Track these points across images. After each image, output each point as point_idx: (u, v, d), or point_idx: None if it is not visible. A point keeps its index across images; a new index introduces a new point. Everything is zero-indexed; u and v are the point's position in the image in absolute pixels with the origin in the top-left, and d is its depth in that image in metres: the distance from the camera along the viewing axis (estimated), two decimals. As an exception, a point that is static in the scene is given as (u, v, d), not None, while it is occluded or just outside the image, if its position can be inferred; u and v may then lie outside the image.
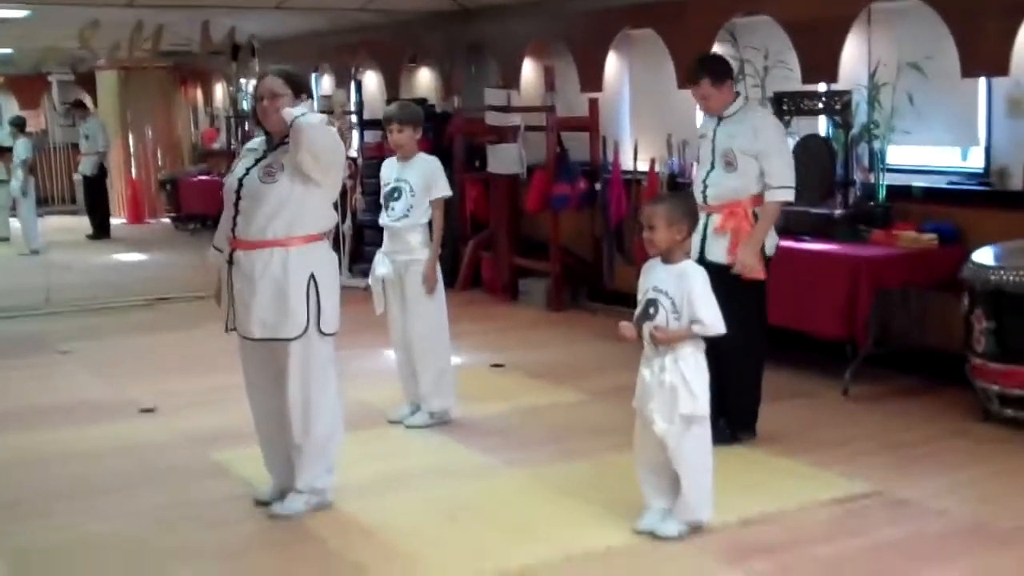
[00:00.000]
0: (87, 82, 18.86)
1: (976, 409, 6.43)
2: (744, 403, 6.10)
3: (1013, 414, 6.17)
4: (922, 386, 7.13)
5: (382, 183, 6.58)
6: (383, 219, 6.53)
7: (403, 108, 6.66)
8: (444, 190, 6.49)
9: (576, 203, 9.95)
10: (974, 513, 5.05)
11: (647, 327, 4.71)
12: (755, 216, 5.95)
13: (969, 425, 6.34)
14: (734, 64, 7.37)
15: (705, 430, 4.78)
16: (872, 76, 7.55)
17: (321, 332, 5.06)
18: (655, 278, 4.76)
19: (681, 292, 4.67)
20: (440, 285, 6.56)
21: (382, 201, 6.53)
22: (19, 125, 15.84)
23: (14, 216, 15.88)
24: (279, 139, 5.06)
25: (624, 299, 9.47)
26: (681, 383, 4.65)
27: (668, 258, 4.77)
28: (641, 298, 4.80)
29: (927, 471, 5.61)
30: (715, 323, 4.68)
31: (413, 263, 6.45)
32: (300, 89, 5.08)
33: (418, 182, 6.44)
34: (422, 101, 12.28)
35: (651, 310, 4.70)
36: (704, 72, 6.02)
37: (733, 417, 5.98)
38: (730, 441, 5.89)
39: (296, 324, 4.98)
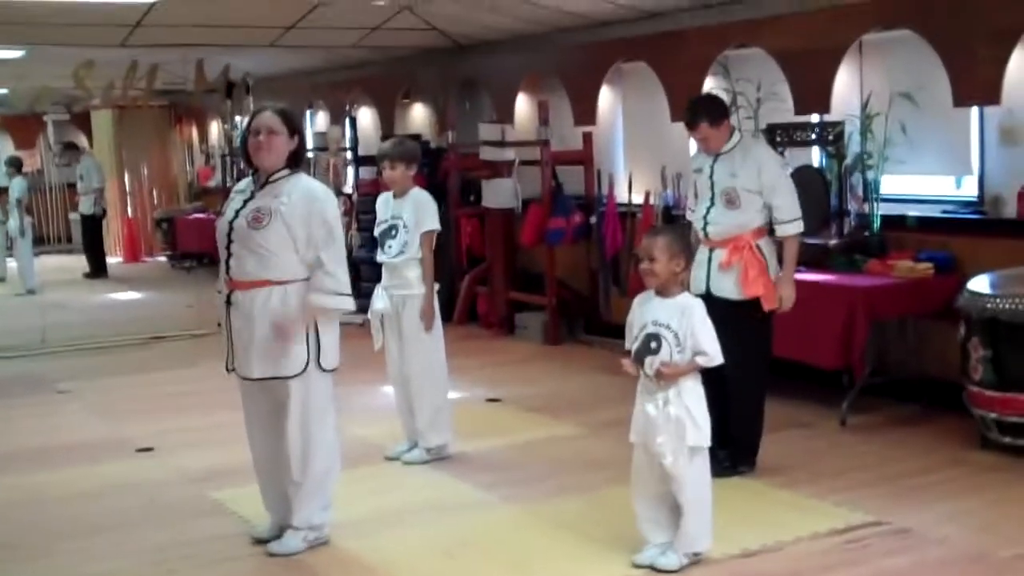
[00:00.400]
0: (82, 121, 18.91)
1: (974, 437, 6.43)
2: (746, 435, 6.10)
3: (1011, 441, 6.17)
4: (919, 415, 7.14)
5: (378, 219, 6.60)
6: (380, 255, 6.54)
7: (395, 146, 6.68)
8: (431, 224, 6.47)
9: (571, 236, 9.98)
10: (974, 542, 5.04)
11: (648, 362, 4.71)
12: (758, 248, 5.97)
13: (967, 453, 6.33)
14: (726, 96, 7.44)
15: (706, 461, 4.79)
16: (864, 106, 7.58)
17: (321, 369, 5.06)
18: (653, 312, 4.77)
19: (684, 326, 4.68)
20: (438, 320, 6.56)
21: (378, 238, 6.54)
22: (15, 165, 15.87)
23: (10, 256, 15.89)
24: (266, 178, 5.07)
25: (621, 332, 9.45)
26: (686, 415, 4.68)
27: (664, 292, 4.78)
28: (637, 332, 4.80)
29: (926, 500, 5.61)
30: (717, 354, 4.72)
31: (411, 298, 6.46)
32: (294, 129, 5.11)
33: (411, 218, 6.45)
34: (417, 137, 12.31)
35: (653, 344, 4.71)
36: (702, 115, 6.03)
37: (735, 449, 5.98)
38: (731, 473, 5.88)
39: (296, 362, 4.98)
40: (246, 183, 5.24)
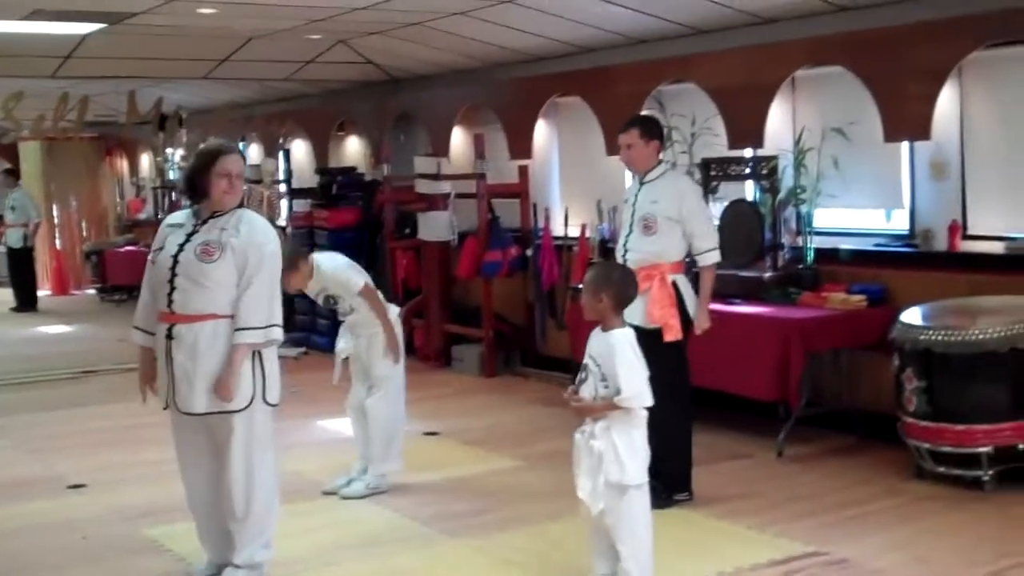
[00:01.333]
0: (9, 153, 18.65)
1: (909, 467, 6.51)
2: (675, 464, 6.11)
3: (945, 471, 6.25)
4: (855, 446, 7.22)
5: (314, 293, 6.62)
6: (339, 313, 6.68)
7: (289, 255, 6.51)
8: (357, 282, 6.46)
9: (508, 269, 10.01)
10: (911, 572, 5.09)
11: (581, 393, 4.72)
12: (674, 285, 6.02)
13: (903, 483, 6.40)
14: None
15: (643, 497, 4.69)
16: (797, 141, 7.69)
17: (266, 403, 5.01)
18: (591, 345, 4.78)
19: (607, 362, 4.65)
20: (401, 351, 6.61)
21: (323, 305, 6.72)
22: None
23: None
24: (209, 214, 5.04)
25: (557, 364, 9.54)
26: (610, 450, 4.60)
27: (604, 325, 4.79)
28: (583, 362, 4.81)
29: (864, 531, 5.66)
30: (637, 395, 4.61)
31: (375, 335, 6.51)
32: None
33: (335, 289, 6.49)
34: (352, 169, 12.34)
35: (582, 375, 4.72)
36: (637, 124, 6.22)
37: (666, 479, 5.97)
38: (666, 504, 5.88)
39: (243, 395, 4.92)
40: (183, 216, 5.16)
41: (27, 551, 5.77)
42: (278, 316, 5.01)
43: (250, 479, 5.02)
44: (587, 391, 4.69)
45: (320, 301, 6.65)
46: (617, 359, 4.63)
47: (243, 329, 4.89)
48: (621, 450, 4.62)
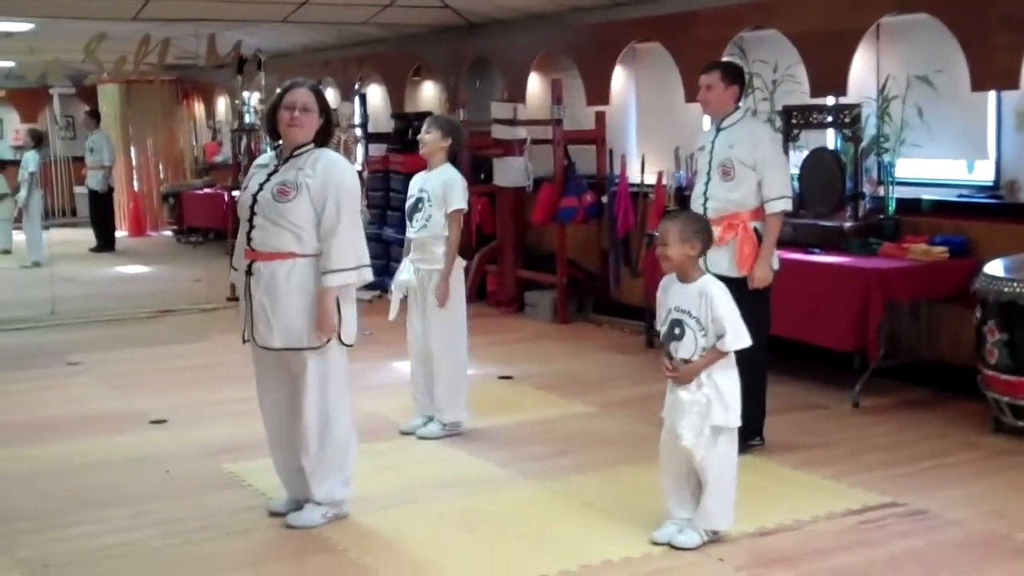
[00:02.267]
0: (88, 95, 18.86)
1: (987, 421, 6.45)
2: (751, 411, 6.05)
3: (1025, 425, 6.20)
4: (932, 398, 7.16)
5: (408, 196, 6.63)
6: (408, 231, 6.58)
7: (441, 116, 6.94)
8: (457, 203, 6.49)
9: (583, 216, 9.98)
10: (989, 524, 5.06)
11: (673, 348, 4.73)
12: (756, 232, 5.98)
13: (981, 437, 6.36)
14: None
15: (733, 442, 4.80)
16: (882, 90, 7.57)
17: (341, 342, 5.06)
18: (675, 298, 4.78)
19: (704, 311, 4.70)
20: (462, 297, 6.60)
21: (407, 214, 6.59)
22: (36, 138, 15.86)
23: (18, 228, 15.89)
24: (290, 151, 5.08)
25: (630, 312, 9.54)
26: (715, 395, 4.70)
27: (684, 276, 4.79)
28: (663, 316, 4.81)
29: (941, 483, 5.63)
30: (740, 337, 4.72)
31: (436, 273, 6.48)
32: (324, 108, 5.12)
33: (437, 193, 6.46)
34: (427, 114, 12.31)
35: (676, 331, 4.73)
36: (720, 66, 6.21)
37: (742, 424, 5.95)
38: (741, 450, 5.85)
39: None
40: (268, 157, 5.25)
41: (111, 484, 5.89)
42: (367, 255, 5.07)
43: (325, 417, 5.09)
44: (687, 348, 4.71)
45: (411, 202, 6.56)
46: (717, 304, 4.70)
47: (334, 271, 4.94)
48: (726, 394, 4.73)
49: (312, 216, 4.96)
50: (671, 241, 4.75)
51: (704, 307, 4.70)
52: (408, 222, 6.57)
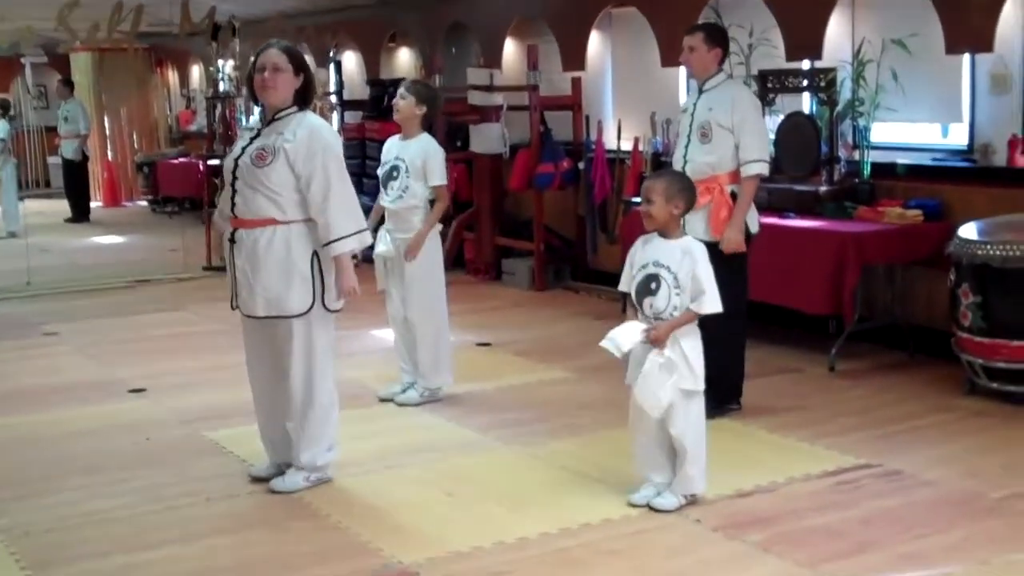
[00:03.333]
0: (61, 64, 18.73)
1: (961, 383, 6.51)
2: (729, 376, 6.14)
3: (999, 387, 6.25)
4: (907, 361, 7.23)
5: (381, 161, 6.58)
6: (382, 199, 6.53)
7: (417, 82, 6.89)
8: (439, 179, 6.45)
9: (559, 182, 9.99)
10: (964, 484, 5.12)
11: (647, 303, 4.75)
12: (732, 195, 6.00)
13: (955, 399, 6.42)
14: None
15: (701, 405, 4.84)
16: (857, 53, 7.59)
17: (326, 308, 5.07)
18: (655, 253, 4.79)
19: (685, 268, 4.71)
20: (440, 262, 6.60)
21: (380, 181, 6.54)
22: (3, 107, 15.75)
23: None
24: (272, 114, 5.07)
25: (607, 278, 9.56)
26: (681, 359, 4.72)
27: (666, 233, 4.81)
28: (636, 272, 4.82)
29: (915, 444, 5.69)
30: (714, 303, 4.74)
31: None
32: (300, 66, 5.07)
33: (414, 163, 6.42)
34: (402, 81, 12.27)
35: (652, 285, 4.74)
36: (703, 28, 6.27)
37: (718, 389, 5.99)
38: (717, 413, 5.91)
39: (301, 301, 4.99)
40: (254, 121, 5.25)
41: (92, 453, 5.90)
42: (363, 217, 5.12)
43: (310, 383, 5.11)
44: (660, 303, 4.72)
45: (385, 169, 6.50)
46: (699, 266, 4.73)
47: (336, 240, 4.95)
48: (691, 358, 4.74)
49: (291, 181, 4.95)
50: (656, 199, 4.76)
51: (686, 265, 4.72)
52: (383, 190, 6.51)
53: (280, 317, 5.02)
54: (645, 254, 4.83)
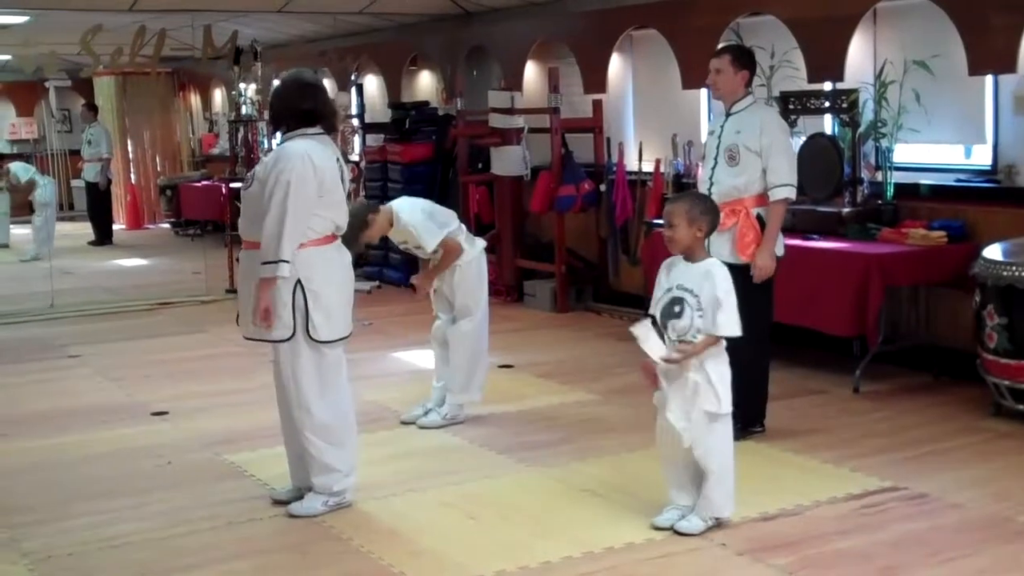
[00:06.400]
0: (84, 88, 18.86)
1: (987, 404, 6.46)
2: (753, 398, 6.11)
3: (1025, 409, 6.21)
4: (931, 383, 7.17)
5: (396, 242, 6.77)
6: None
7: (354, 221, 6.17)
8: (429, 244, 6.43)
9: (581, 204, 9.97)
10: (991, 507, 5.07)
11: (671, 325, 4.73)
12: (759, 218, 5.97)
13: (981, 421, 6.37)
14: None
15: (728, 428, 4.82)
16: (879, 74, 7.56)
17: (311, 339, 5.03)
18: (679, 276, 4.78)
19: (707, 291, 4.70)
20: (484, 285, 6.72)
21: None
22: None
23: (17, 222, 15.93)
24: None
25: (629, 300, 9.55)
26: (705, 382, 4.70)
27: (690, 256, 4.80)
28: (660, 295, 4.81)
29: (942, 467, 5.63)
30: (735, 323, 4.72)
31: (459, 267, 6.54)
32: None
33: (420, 240, 6.43)
34: (424, 104, 12.32)
35: (676, 308, 4.73)
36: (730, 50, 6.22)
37: (742, 412, 5.96)
38: (741, 436, 5.86)
39: (281, 329, 4.99)
40: None
41: (113, 476, 5.90)
42: (287, 251, 4.88)
43: (303, 410, 5.09)
44: (683, 326, 4.71)
45: (403, 248, 6.69)
46: (720, 288, 4.71)
47: (262, 264, 4.91)
48: (715, 380, 4.72)
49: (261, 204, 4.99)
50: (678, 223, 4.75)
51: (707, 287, 4.71)
52: None
53: (264, 341, 5.05)
54: (670, 278, 4.82)
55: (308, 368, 5.08)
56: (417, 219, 6.43)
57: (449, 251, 6.47)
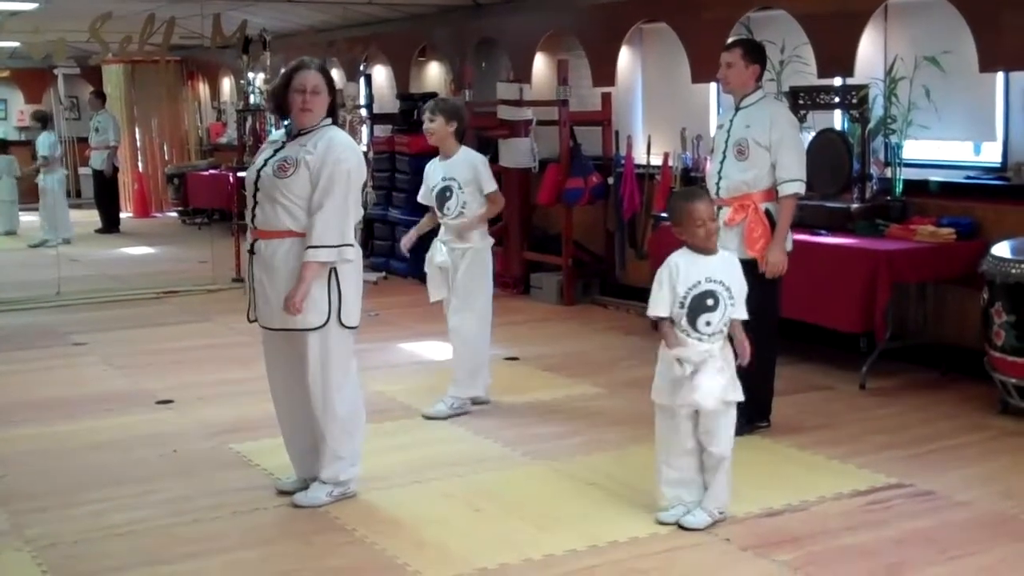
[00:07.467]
0: (93, 76, 18.84)
1: (994, 402, 6.45)
2: (759, 394, 6.09)
3: (1032, 407, 6.19)
4: (938, 380, 7.15)
5: (429, 183, 6.67)
6: (439, 217, 6.64)
7: (439, 100, 6.90)
8: (491, 185, 6.61)
9: (588, 197, 9.95)
10: (998, 505, 5.06)
11: (703, 320, 4.70)
12: (767, 213, 5.95)
13: (988, 418, 6.35)
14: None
15: (734, 418, 4.85)
16: (889, 70, 7.54)
17: (342, 324, 5.04)
18: (705, 270, 4.73)
19: (735, 279, 4.77)
20: (490, 276, 6.73)
21: (434, 202, 6.63)
22: (42, 120, 15.81)
23: (25, 209, 15.92)
24: (297, 131, 5.07)
25: (636, 293, 9.52)
26: (727, 370, 4.76)
27: (708, 250, 4.78)
28: (687, 291, 4.71)
29: (949, 464, 5.62)
30: (744, 310, 4.81)
31: (469, 251, 6.56)
32: (332, 86, 5.10)
33: (464, 177, 6.53)
34: (432, 95, 12.28)
35: (709, 301, 4.70)
36: (741, 44, 6.19)
37: (749, 407, 5.94)
38: (746, 431, 5.86)
39: (317, 315, 4.97)
40: (279, 134, 5.24)
41: (118, 464, 5.90)
42: (350, 235, 5.02)
43: (327, 396, 5.08)
44: (717, 318, 4.72)
45: (435, 192, 6.59)
46: (741, 274, 4.81)
47: (315, 247, 4.90)
48: (733, 369, 4.79)
49: (309, 193, 4.93)
50: (709, 216, 4.79)
51: (736, 275, 4.78)
52: (439, 211, 6.60)
53: (295, 330, 5.01)
54: (695, 271, 4.74)
55: (339, 356, 5.08)
56: (483, 159, 6.69)
57: (494, 203, 6.62)
